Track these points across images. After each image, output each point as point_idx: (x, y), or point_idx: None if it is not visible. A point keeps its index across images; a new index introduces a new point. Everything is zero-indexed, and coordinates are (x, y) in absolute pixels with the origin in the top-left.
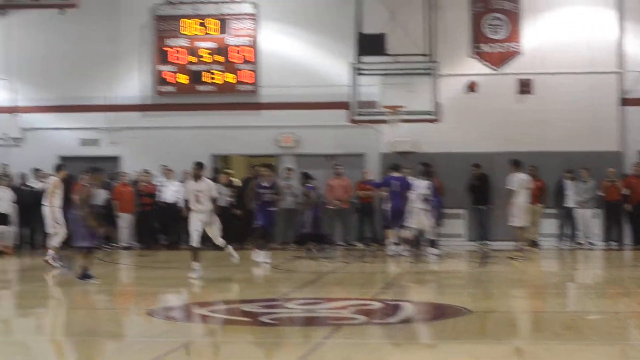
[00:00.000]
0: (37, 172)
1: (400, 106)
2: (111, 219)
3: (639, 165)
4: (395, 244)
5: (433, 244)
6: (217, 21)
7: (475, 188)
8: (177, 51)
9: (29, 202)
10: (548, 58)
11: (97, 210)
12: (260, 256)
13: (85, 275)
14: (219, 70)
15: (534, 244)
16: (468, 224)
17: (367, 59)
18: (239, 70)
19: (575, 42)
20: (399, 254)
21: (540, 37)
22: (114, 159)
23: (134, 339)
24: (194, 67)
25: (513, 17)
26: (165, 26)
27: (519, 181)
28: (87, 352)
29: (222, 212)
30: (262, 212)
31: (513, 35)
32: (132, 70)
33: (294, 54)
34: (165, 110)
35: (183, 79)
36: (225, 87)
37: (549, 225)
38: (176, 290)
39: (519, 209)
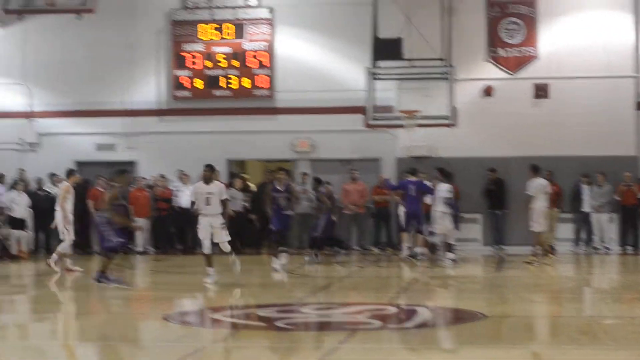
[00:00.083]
0: (53, 177)
1: (417, 111)
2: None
3: None
4: (409, 247)
5: (450, 248)
6: (233, 26)
7: (491, 192)
8: (194, 56)
9: (44, 207)
10: (564, 62)
11: (123, 210)
12: (277, 263)
13: (102, 277)
14: (235, 75)
15: (551, 248)
16: (484, 228)
17: (383, 63)
18: (255, 75)
19: (591, 47)
20: (414, 258)
21: (557, 41)
22: (130, 164)
23: (150, 344)
24: (210, 72)
25: (529, 22)
26: (181, 31)
27: (538, 186)
28: (103, 357)
29: (237, 217)
30: (278, 216)
31: (529, 39)
32: (149, 75)
33: (310, 58)
34: (182, 115)
35: (199, 83)
36: (241, 92)
37: (565, 230)
38: (192, 295)
39: (537, 214)
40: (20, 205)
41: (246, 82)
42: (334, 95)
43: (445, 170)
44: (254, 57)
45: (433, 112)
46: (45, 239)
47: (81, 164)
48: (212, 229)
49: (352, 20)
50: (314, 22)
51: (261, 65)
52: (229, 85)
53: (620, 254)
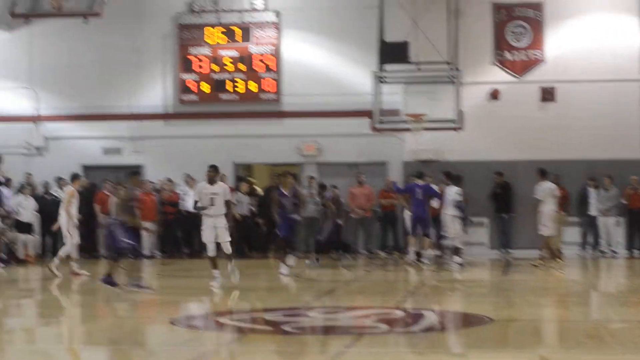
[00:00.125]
0: (60, 181)
1: (423, 114)
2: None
3: None
4: (416, 252)
5: (457, 252)
6: (240, 30)
7: (498, 196)
8: (200, 60)
9: (51, 211)
10: (571, 66)
11: (133, 212)
12: (284, 268)
13: (108, 281)
14: (242, 79)
15: (559, 252)
16: (490, 232)
17: (389, 67)
18: (262, 78)
19: (598, 50)
20: (421, 262)
21: (563, 44)
22: (136, 168)
23: (156, 348)
24: (216, 76)
25: (536, 25)
26: (188, 35)
27: (546, 190)
28: None
29: (243, 221)
30: (284, 222)
31: (536, 43)
32: (155, 79)
33: (317, 62)
34: (188, 118)
35: (206, 87)
36: (248, 96)
37: (572, 234)
38: (198, 299)
39: (546, 218)
40: (27, 210)
41: (253, 86)
42: (341, 99)
43: (452, 174)
44: (261, 60)
45: (439, 115)
46: (52, 243)
47: (88, 168)
48: (215, 229)
49: (358, 23)
50: (321, 26)
51: (268, 69)
52: (236, 89)
53: (627, 257)
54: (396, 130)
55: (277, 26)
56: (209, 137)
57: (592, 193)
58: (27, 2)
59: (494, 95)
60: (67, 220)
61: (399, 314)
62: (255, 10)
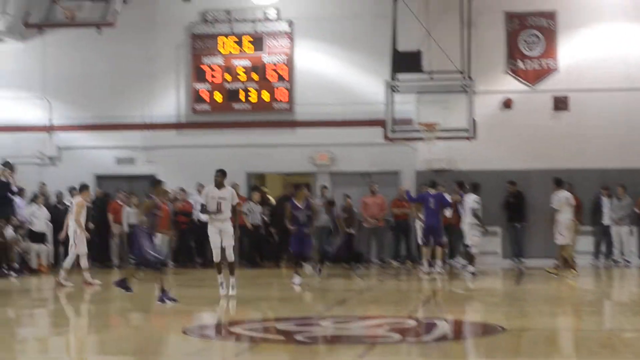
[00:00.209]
0: (73, 191)
1: (436, 123)
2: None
3: None
4: (429, 261)
5: (471, 260)
6: (253, 39)
7: (511, 205)
8: (213, 69)
9: (64, 221)
10: (584, 74)
11: (157, 221)
12: (297, 278)
13: (165, 297)
14: (255, 88)
15: (573, 261)
16: (503, 241)
17: (402, 76)
18: (275, 88)
19: (611, 59)
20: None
21: (576, 53)
22: (149, 178)
23: (169, 358)
24: (229, 86)
25: (549, 34)
26: (201, 44)
27: (562, 199)
28: None
29: (255, 230)
30: (297, 237)
31: (549, 52)
32: (168, 89)
33: (329, 71)
34: (201, 128)
35: (218, 97)
36: (261, 105)
37: (585, 243)
38: (211, 309)
39: (562, 227)
40: (40, 219)
41: (265, 95)
42: (354, 108)
43: (472, 182)
44: (274, 70)
45: (452, 124)
46: (65, 253)
47: (101, 178)
48: (221, 234)
49: (371, 33)
50: (334, 35)
51: (280, 79)
52: (248, 99)
53: None
54: (409, 140)
55: (290, 36)
56: (221, 146)
57: (605, 202)
58: (41, 13)
59: (507, 104)
60: (75, 230)
61: (412, 323)
62: (268, 20)
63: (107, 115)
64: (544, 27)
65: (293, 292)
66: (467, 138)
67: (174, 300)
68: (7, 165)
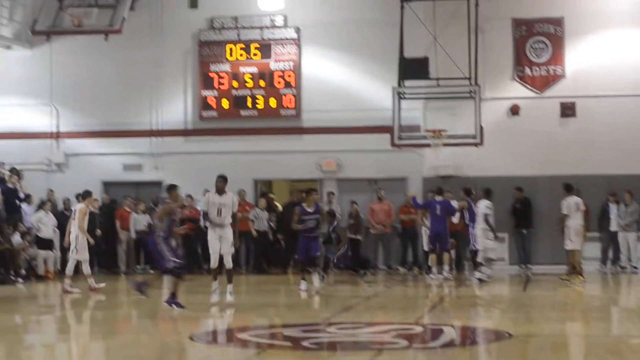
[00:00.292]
0: (79, 197)
1: (443, 130)
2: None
3: None
4: (438, 267)
5: (478, 266)
6: (260, 46)
7: (518, 211)
8: (221, 76)
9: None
10: (591, 81)
11: (174, 226)
12: (303, 285)
13: (172, 301)
14: (262, 95)
15: (580, 268)
16: (510, 247)
17: (409, 82)
18: (282, 94)
19: (618, 65)
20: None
21: (583, 60)
22: (157, 184)
23: None
24: (236, 92)
25: (556, 41)
26: (208, 51)
27: (572, 204)
28: None
29: (261, 237)
30: (304, 244)
31: (556, 58)
32: (176, 96)
33: (336, 78)
34: (208, 135)
35: (226, 103)
36: (268, 112)
37: (592, 249)
38: (218, 315)
39: (571, 232)
40: (47, 226)
41: (273, 102)
42: (361, 115)
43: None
44: (281, 77)
45: (460, 131)
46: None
47: (108, 184)
48: (221, 240)
49: (378, 39)
50: (341, 42)
51: (288, 85)
52: (256, 105)
53: None
54: (416, 146)
55: (297, 42)
56: (228, 153)
57: (613, 208)
58: (48, 20)
59: (514, 110)
60: (77, 236)
61: (419, 329)
62: (275, 26)
63: (114, 122)
64: (551, 33)
65: (300, 298)
66: (474, 144)
67: (181, 306)
68: (14, 171)
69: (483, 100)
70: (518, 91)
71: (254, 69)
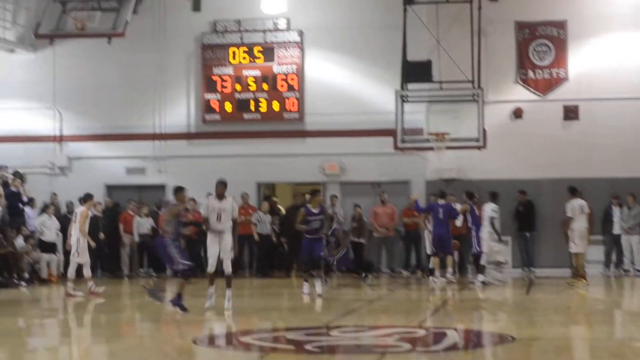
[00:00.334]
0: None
1: (446, 133)
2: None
3: None
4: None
5: (482, 270)
6: (264, 49)
7: (521, 214)
8: (224, 79)
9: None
10: (594, 84)
11: (184, 228)
12: (306, 287)
13: (177, 302)
14: (265, 98)
15: (583, 271)
16: (513, 250)
17: (412, 86)
18: (285, 98)
19: (621, 68)
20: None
21: (586, 63)
22: (160, 188)
23: None
24: (239, 96)
25: (559, 44)
26: (211, 55)
27: (577, 207)
28: None
29: (264, 240)
30: (308, 245)
31: (559, 61)
32: (179, 99)
33: (339, 81)
34: (211, 138)
35: (229, 107)
36: (271, 115)
37: (596, 252)
38: (221, 318)
39: (575, 235)
40: (50, 229)
41: (276, 105)
42: (364, 118)
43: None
44: (284, 80)
45: (463, 134)
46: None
47: (111, 188)
48: (220, 246)
49: (381, 43)
50: (344, 45)
51: (291, 88)
52: (259, 109)
53: None
54: (419, 149)
55: (300, 46)
56: (232, 156)
57: (616, 211)
58: (51, 23)
59: (517, 113)
60: (78, 239)
61: (422, 333)
62: (278, 30)
63: (117, 125)
64: (554, 36)
65: (303, 301)
66: (477, 147)
67: (184, 309)
68: (18, 175)
69: (486, 103)
70: (521, 94)
71: (257, 72)
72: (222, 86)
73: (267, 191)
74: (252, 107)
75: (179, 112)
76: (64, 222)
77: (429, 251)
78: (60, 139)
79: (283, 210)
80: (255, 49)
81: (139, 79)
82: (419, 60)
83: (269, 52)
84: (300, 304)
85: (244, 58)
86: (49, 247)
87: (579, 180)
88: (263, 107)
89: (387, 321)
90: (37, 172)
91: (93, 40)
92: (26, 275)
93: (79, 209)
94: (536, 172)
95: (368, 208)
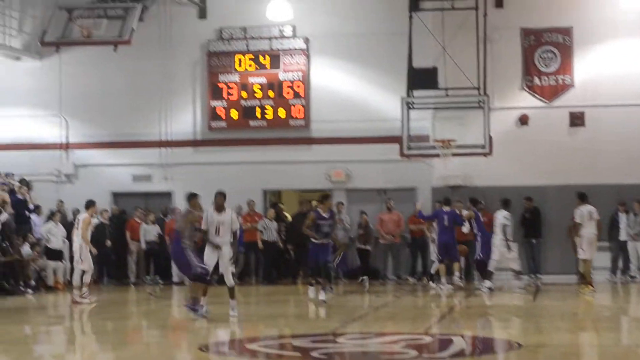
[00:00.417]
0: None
1: (452, 140)
2: (165, 254)
3: None
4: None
5: (488, 276)
6: (269, 57)
7: (527, 221)
8: (229, 87)
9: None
10: (600, 90)
11: (196, 236)
12: (312, 292)
13: (193, 307)
14: (271, 106)
15: (590, 277)
16: (519, 257)
17: (418, 92)
18: (291, 105)
19: (627, 74)
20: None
21: (592, 69)
22: (166, 195)
23: None
24: (245, 103)
25: (565, 50)
26: (217, 62)
27: (585, 213)
28: None
29: (269, 247)
30: (314, 251)
31: (565, 68)
32: (185, 106)
33: (345, 88)
34: (217, 145)
35: (235, 114)
36: (277, 122)
37: (602, 259)
38: (227, 325)
39: (583, 242)
40: (56, 237)
41: (282, 112)
42: (369, 125)
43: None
44: (290, 87)
45: (468, 141)
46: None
47: (117, 195)
48: (219, 258)
49: (387, 50)
50: (349, 52)
51: (296, 95)
52: (265, 116)
53: None
54: (425, 156)
55: (306, 53)
56: (238, 163)
57: (622, 218)
58: (57, 31)
59: (523, 120)
60: (81, 246)
61: (428, 339)
62: (284, 37)
63: (123, 133)
64: (560, 43)
65: (309, 308)
66: (483, 154)
67: (204, 316)
68: (24, 182)
69: (492, 110)
70: (527, 101)
71: (263, 80)
72: (228, 93)
73: (273, 198)
74: (258, 114)
75: (185, 120)
76: (70, 230)
77: (434, 258)
78: (66, 146)
79: (289, 218)
80: (261, 56)
81: (145, 86)
82: (424, 67)
83: (274, 59)
84: (307, 311)
85: (250, 65)
86: (55, 255)
87: (585, 186)
88: (269, 114)
89: (394, 328)
90: (44, 180)
91: (99, 48)
92: (32, 282)
93: (82, 216)
94: (542, 179)
95: (374, 215)
